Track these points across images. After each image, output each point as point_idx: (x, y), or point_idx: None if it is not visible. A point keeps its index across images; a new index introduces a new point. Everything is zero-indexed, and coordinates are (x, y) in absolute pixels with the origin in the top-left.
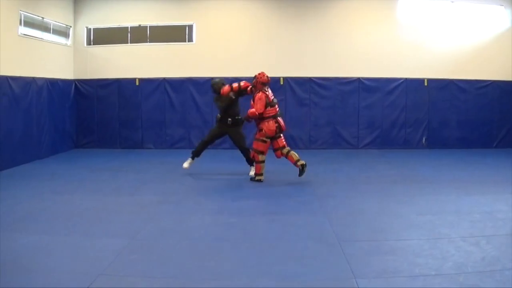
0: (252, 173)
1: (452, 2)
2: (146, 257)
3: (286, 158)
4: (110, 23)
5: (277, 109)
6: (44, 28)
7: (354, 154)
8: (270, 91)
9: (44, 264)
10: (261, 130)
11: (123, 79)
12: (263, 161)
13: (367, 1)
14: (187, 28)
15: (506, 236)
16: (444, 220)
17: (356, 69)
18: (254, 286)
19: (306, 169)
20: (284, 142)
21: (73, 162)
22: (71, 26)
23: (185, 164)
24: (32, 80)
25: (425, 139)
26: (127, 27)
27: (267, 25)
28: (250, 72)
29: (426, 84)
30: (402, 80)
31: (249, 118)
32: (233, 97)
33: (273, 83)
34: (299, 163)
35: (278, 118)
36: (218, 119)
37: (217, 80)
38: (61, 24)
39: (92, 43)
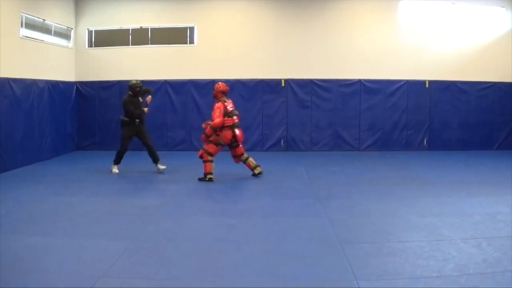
0: (161, 167)
1: (453, 3)
2: (148, 259)
3: (244, 164)
4: (112, 25)
5: (236, 120)
6: (46, 30)
7: (355, 156)
8: (230, 102)
9: (46, 266)
10: (217, 135)
11: (124, 81)
12: (211, 161)
13: (368, 3)
14: (188, 30)
15: (507, 237)
16: (445, 222)
17: (358, 71)
18: (255, 287)
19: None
20: (243, 150)
21: (74, 164)
22: (72, 28)
23: (114, 170)
24: (33, 82)
25: (427, 141)
26: (129, 29)
27: (268, 27)
28: (251, 74)
29: (427, 86)
30: (403, 82)
31: (213, 130)
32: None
33: (275, 85)
34: (256, 171)
35: (235, 129)
36: (127, 122)
37: (134, 81)
38: (63, 26)
39: (93, 45)
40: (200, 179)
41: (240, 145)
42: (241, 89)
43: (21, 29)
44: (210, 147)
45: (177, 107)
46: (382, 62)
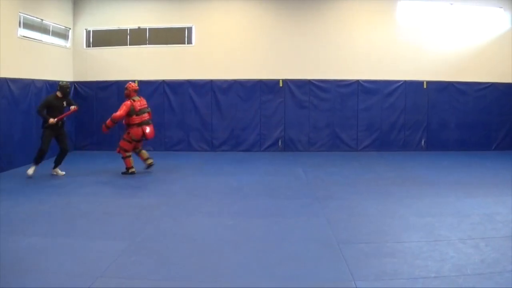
0: (60, 172)
1: (451, 4)
2: (146, 259)
3: (138, 155)
4: (110, 25)
5: (145, 117)
6: (44, 30)
7: (353, 157)
8: (142, 100)
9: (44, 266)
10: (129, 133)
11: (122, 81)
12: (129, 156)
13: (366, 4)
14: (186, 30)
15: (505, 238)
16: (443, 222)
17: (356, 71)
18: (254, 287)
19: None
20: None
21: (72, 164)
22: (70, 28)
23: (29, 171)
24: (31, 82)
25: (424, 141)
26: (127, 29)
27: (266, 28)
28: (249, 74)
29: (425, 86)
30: (401, 82)
31: (112, 122)
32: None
33: (273, 85)
34: (147, 162)
35: (144, 125)
36: (53, 123)
37: (66, 83)
38: (61, 26)
39: (91, 45)
40: (124, 173)
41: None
42: (239, 89)
43: (19, 29)
44: (125, 144)
45: (175, 107)
46: (380, 63)
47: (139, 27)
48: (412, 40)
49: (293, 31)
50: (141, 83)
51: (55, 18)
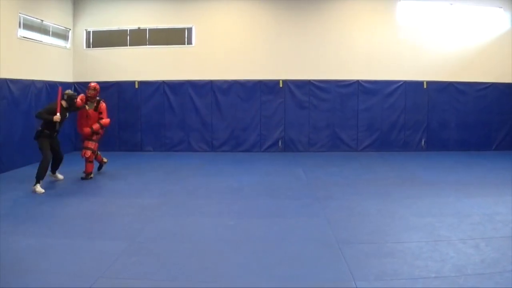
0: (61, 176)
1: (451, 4)
2: (146, 259)
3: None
4: (110, 26)
5: None
6: (44, 30)
7: (353, 157)
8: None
9: (44, 267)
10: (98, 133)
11: (122, 81)
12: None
13: (366, 4)
14: (186, 30)
15: (505, 238)
16: (443, 222)
17: (356, 71)
18: (254, 287)
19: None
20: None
21: (72, 165)
22: (70, 29)
23: (38, 189)
24: (32, 83)
25: (424, 142)
26: (127, 30)
27: (266, 28)
28: (249, 74)
29: (425, 86)
30: (401, 83)
31: (100, 129)
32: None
33: (273, 85)
34: (104, 160)
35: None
36: (57, 120)
37: (72, 92)
38: (61, 27)
39: (91, 45)
40: (83, 178)
41: None
42: (239, 90)
43: (19, 29)
44: (95, 146)
45: (175, 107)
46: (380, 63)
47: (139, 28)
48: (412, 40)
49: (293, 31)
50: (141, 83)
51: (55, 18)
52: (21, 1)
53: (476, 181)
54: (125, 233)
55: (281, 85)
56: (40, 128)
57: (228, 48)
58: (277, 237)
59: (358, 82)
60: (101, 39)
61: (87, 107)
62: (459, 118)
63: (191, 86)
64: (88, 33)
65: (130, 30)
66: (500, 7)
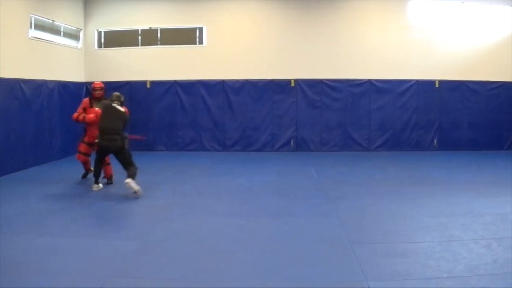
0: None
1: (463, 3)
2: (158, 258)
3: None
4: (121, 26)
5: None
6: (55, 31)
7: (365, 156)
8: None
9: (57, 265)
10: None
11: (134, 81)
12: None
13: (378, 3)
14: (197, 30)
15: None
16: (456, 222)
17: (367, 71)
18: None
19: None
20: None
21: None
22: (81, 29)
23: (94, 187)
24: (43, 83)
25: (436, 141)
26: (138, 30)
27: (277, 27)
28: (261, 74)
29: (437, 85)
30: (413, 82)
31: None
32: None
33: (284, 85)
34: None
35: None
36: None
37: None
38: (72, 27)
39: (102, 45)
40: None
41: None
42: (250, 90)
43: (30, 30)
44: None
45: (186, 107)
46: (392, 62)
47: (150, 28)
48: (423, 39)
49: (305, 30)
50: (153, 83)
51: (66, 19)
52: (32, 2)
53: (489, 181)
54: (137, 232)
55: (292, 85)
56: (126, 135)
57: (239, 48)
58: (288, 237)
59: (370, 82)
60: (113, 39)
61: (95, 107)
62: (471, 118)
63: (203, 85)
64: (99, 33)
65: (141, 30)
66: (511, 6)
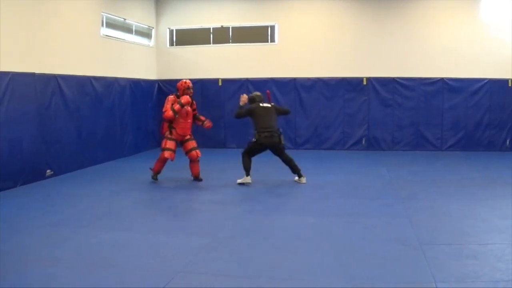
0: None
1: None
2: (226, 255)
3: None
4: (192, 24)
5: None
6: (126, 29)
7: (437, 156)
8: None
9: (124, 260)
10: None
11: (205, 79)
12: None
13: (450, 1)
14: (269, 28)
15: None
16: None
17: (440, 69)
18: (333, 287)
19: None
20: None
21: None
22: (153, 27)
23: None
24: (115, 80)
25: (509, 141)
26: (209, 28)
27: (349, 25)
28: (332, 72)
29: (510, 84)
30: (486, 81)
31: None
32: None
33: (356, 83)
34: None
35: None
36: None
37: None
38: (144, 25)
39: (174, 44)
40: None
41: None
42: (322, 88)
43: (102, 28)
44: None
45: None
46: (464, 60)
47: (222, 26)
48: (496, 37)
49: (377, 28)
50: (225, 81)
51: (138, 17)
52: (104, 1)
53: None
54: (205, 228)
55: (364, 83)
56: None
57: (311, 46)
58: (358, 237)
59: (442, 80)
60: (184, 37)
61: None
62: None
63: (274, 83)
64: (171, 31)
65: (213, 28)
66: None
